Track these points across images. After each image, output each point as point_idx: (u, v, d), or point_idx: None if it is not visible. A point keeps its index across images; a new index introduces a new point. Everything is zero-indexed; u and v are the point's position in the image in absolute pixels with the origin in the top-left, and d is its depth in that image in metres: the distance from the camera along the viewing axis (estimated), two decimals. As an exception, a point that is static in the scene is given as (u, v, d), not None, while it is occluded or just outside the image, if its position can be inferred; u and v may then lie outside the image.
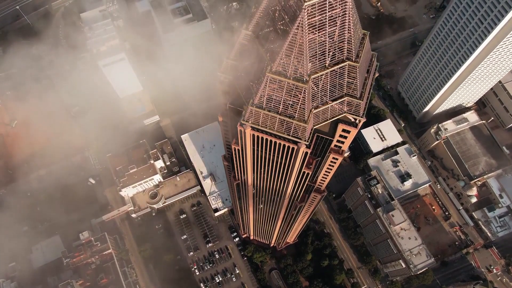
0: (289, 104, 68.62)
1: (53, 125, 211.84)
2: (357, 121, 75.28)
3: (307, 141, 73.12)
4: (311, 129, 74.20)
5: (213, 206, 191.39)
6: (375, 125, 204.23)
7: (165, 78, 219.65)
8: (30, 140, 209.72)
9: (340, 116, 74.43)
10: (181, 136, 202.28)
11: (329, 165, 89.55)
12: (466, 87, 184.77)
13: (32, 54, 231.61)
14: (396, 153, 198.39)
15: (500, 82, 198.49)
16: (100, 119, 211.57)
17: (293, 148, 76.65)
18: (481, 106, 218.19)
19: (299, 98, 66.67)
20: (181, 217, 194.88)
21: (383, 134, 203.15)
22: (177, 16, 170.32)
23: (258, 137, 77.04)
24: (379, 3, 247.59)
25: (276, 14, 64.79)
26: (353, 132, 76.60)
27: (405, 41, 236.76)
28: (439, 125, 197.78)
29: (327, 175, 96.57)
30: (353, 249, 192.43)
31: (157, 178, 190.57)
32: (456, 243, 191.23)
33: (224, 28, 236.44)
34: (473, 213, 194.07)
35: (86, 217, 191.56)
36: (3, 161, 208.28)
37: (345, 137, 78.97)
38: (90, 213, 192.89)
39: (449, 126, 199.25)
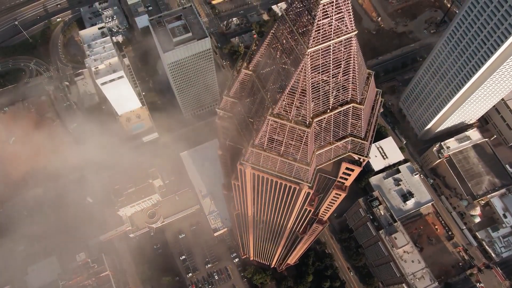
0: (291, 145, 66.08)
1: (51, 142, 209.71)
2: (361, 160, 72.78)
3: (310, 183, 70.53)
4: (314, 170, 71.64)
5: (212, 226, 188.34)
6: (376, 143, 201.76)
7: (165, 95, 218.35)
8: (27, 157, 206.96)
9: (344, 155, 71.91)
10: (180, 154, 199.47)
11: (332, 199, 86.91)
12: (470, 106, 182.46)
13: (30, 70, 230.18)
14: (398, 171, 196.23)
15: (502, 99, 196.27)
16: (98, 136, 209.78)
17: (294, 188, 74.07)
18: (483, 123, 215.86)
19: (302, 141, 64.16)
20: (180, 237, 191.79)
21: (385, 152, 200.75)
22: (176, 35, 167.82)
23: (258, 175, 74.46)
24: (379, 18, 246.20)
25: (278, 54, 62.37)
26: (357, 170, 74.08)
27: (406, 57, 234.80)
28: (442, 143, 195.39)
29: (330, 208, 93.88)
30: (355, 270, 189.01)
31: (156, 197, 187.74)
32: (460, 263, 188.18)
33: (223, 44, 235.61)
34: (476, 233, 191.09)
35: (83, 237, 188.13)
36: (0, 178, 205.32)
37: (349, 174, 76.44)
38: (88, 233, 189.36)
39: (452, 144, 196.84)
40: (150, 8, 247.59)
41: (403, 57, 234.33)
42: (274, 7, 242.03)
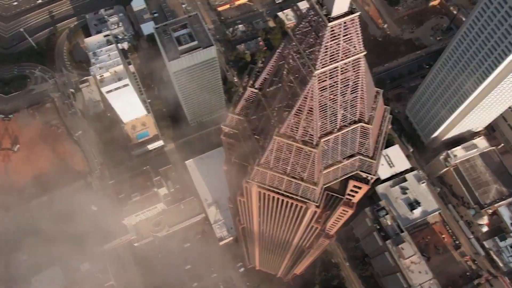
0: (297, 165, 64.90)
1: (55, 150, 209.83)
2: (369, 178, 71.52)
3: (317, 202, 69.31)
4: (321, 188, 70.40)
5: (217, 235, 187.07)
6: (383, 151, 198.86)
7: (170, 102, 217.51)
8: (32, 165, 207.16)
9: (351, 173, 70.66)
10: (186, 162, 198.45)
11: (339, 215, 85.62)
12: (477, 114, 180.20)
13: (35, 76, 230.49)
14: (405, 180, 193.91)
15: (510, 107, 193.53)
16: (103, 144, 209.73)
17: (301, 207, 72.89)
18: (490, 130, 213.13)
19: (309, 161, 62.97)
20: (185, 246, 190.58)
21: (391, 160, 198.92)
22: (182, 43, 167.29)
23: (264, 194, 73.33)
24: (385, 25, 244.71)
25: (284, 73, 61.27)
26: (365, 188, 72.82)
27: (412, 64, 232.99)
28: (449, 151, 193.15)
29: (337, 223, 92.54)
30: (362, 280, 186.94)
31: (161, 206, 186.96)
32: (468, 273, 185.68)
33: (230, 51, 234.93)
34: (484, 242, 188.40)
35: (87, 246, 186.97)
36: (4, 186, 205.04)
37: (357, 192, 75.19)
38: (92, 242, 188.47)
39: (459, 152, 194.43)
40: (156, 14, 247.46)
41: (409, 64, 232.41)
42: (280, 14, 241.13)
